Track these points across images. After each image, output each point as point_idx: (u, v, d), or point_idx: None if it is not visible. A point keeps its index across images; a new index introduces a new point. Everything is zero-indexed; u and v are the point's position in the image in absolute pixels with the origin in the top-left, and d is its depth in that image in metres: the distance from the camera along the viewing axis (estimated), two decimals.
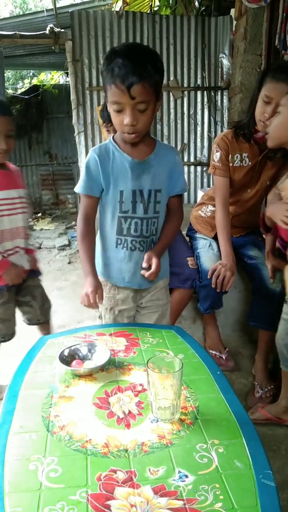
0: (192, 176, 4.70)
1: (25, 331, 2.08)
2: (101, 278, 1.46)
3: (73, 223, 6.01)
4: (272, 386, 1.88)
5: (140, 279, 1.43)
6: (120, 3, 4.55)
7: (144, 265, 1.35)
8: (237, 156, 1.86)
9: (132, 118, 1.19)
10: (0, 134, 1.63)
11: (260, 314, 1.88)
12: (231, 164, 1.87)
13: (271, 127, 1.31)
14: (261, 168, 1.87)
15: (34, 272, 1.93)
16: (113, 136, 1.38)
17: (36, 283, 1.95)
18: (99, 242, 1.46)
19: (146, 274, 1.35)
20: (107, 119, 1.84)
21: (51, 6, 4.56)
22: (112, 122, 1.28)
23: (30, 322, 1.98)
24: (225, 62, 4.47)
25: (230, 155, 1.86)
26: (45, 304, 1.99)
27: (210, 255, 1.94)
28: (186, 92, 4.49)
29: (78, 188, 1.37)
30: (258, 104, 1.73)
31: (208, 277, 1.85)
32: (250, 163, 1.85)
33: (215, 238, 2.00)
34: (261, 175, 1.89)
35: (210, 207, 2.09)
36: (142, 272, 1.37)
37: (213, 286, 1.82)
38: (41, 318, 1.98)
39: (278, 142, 1.30)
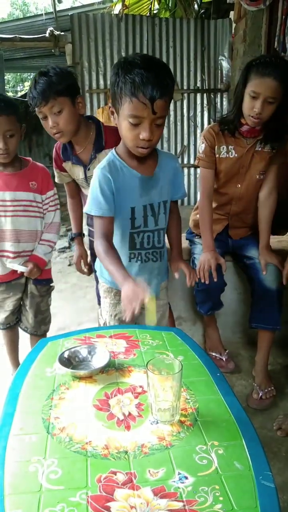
0: (192, 178, 4.71)
1: (26, 333, 2.08)
2: (108, 285, 1.45)
3: None
4: (272, 388, 1.88)
5: (153, 288, 1.43)
6: (119, 6, 4.57)
7: (176, 275, 1.43)
8: (223, 148, 1.90)
9: (150, 133, 1.16)
10: None
11: (261, 314, 1.88)
12: (217, 155, 1.91)
13: None
14: (248, 161, 1.89)
15: (38, 281, 1.86)
16: (115, 149, 1.34)
17: (33, 293, 1.87)
18: None
19: (188, 283, 1.43)
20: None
21: (51, 9, 4.58)
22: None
23: (24, 329, 1.95)
24: (225, 64, 4.49)
25: (216, 147, 1.90)
26: (37, 316, 1.90)
27: None
28: (185, 95, 4.50)
29: (94, 210, 1.28)
30: (245, 99, 1.75)
31: (196, 280, 1.87)
32: (236, 155, 1.89)
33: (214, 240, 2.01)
34: (249, 169, 1.91)
35: None
36: (188, 283, 1.44)
37: (203, 281, 1.85)
38: (31, 329, 1.92)
39: None
